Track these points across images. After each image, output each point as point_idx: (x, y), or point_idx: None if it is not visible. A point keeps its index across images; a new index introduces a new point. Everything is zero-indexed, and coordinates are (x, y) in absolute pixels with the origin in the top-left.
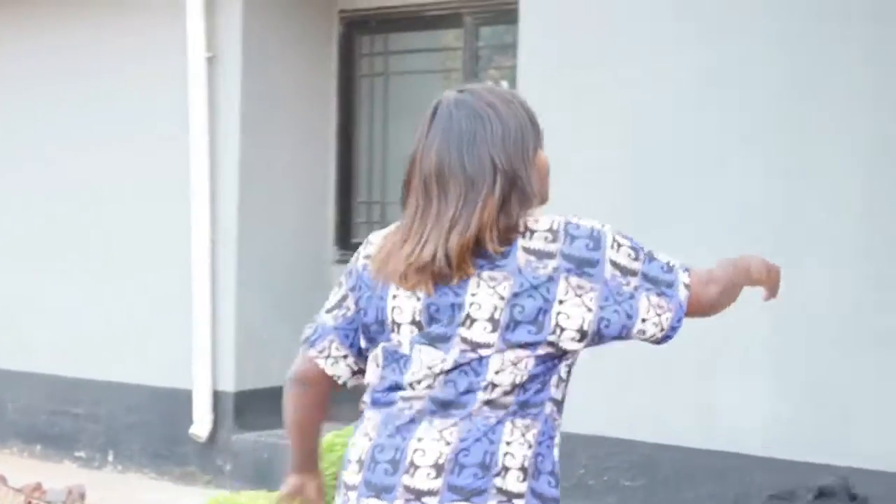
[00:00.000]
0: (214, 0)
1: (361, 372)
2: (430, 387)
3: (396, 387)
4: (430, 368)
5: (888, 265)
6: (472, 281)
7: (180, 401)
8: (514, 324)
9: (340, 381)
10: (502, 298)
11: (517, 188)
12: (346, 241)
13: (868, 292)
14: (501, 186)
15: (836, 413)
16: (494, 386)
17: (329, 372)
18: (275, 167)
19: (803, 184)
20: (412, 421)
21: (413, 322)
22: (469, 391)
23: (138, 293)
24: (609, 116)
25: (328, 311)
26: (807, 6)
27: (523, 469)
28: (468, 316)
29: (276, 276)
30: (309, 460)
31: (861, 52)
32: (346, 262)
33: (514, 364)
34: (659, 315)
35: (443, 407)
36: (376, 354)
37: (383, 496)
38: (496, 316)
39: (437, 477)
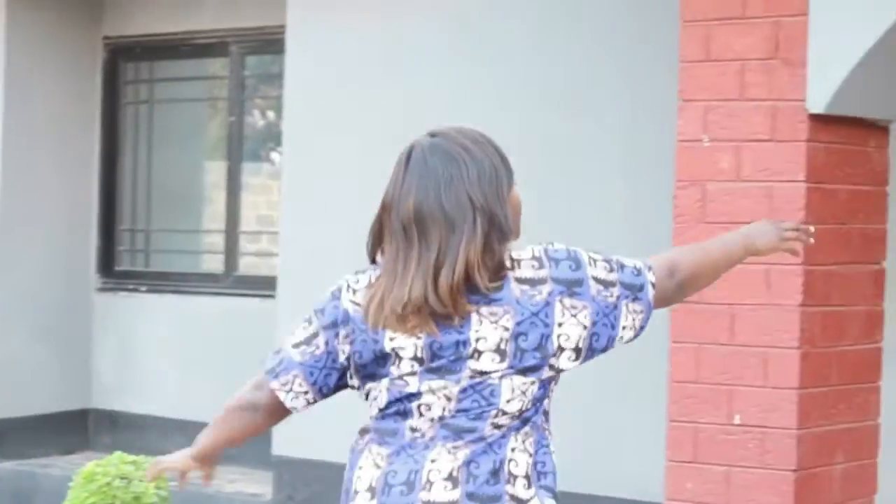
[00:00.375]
0: None
1: (315, 403)
2: (441, 417)
3: (404, 417)
4: (439, 398)
5: None
6: (474, 318)
7: None
8: (520, 353)
9: (293, 412)
10: (507, 330)
11: (495, 226)
12: (109, 268)
13: None
14: (481, 225)
15: (594, 443)
16: (504, 413)
17: (287, 405)
18: (36, 193)
19: (562, 194)
20: (426, 448)
21: (415, 358)
22: (479, 418)
23: None
24: (373, 144)
25: (294, 346)
26: (567, 26)
27: (527, 476)
28: (475, 350)
29: (38, 303)
30: (214, 456)
31: (619, 69)
32: (109, 289)
33: (523, 392)
34: (634, 319)
35: (455, 433)
36: (380, 389)
37: None
38: (503, 347)
39: (453, 488)
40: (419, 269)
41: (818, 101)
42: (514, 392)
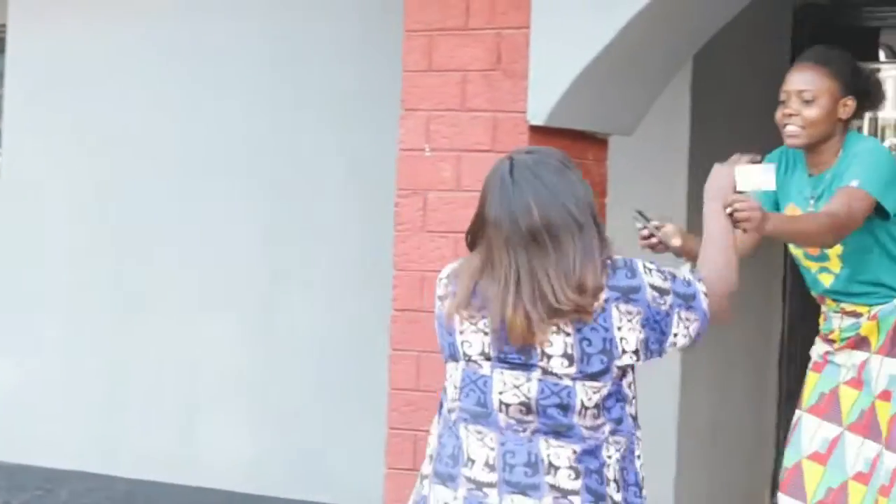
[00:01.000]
0: None
1: None
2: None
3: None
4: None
5: (369, 303)
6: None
7: None
8: (586, 356)
9: None
10: (568, 335)
11: (600, 233)
12: None
13: (345, 326)
14: (598, 232)
15: (312, 448)
16: (586, 409)
17: None
18: None
19: (286, 205)
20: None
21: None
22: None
23: None
24: (94, 145)
25: None
26: (289, 31)
27: (616, 481)
28: (543, 353)
29: None
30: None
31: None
32: None
33: (596, 391)
34: (687, 327)
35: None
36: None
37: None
38: (569, 351)
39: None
40: (558, 272)
41: (538, 112)
42: (587, 392)
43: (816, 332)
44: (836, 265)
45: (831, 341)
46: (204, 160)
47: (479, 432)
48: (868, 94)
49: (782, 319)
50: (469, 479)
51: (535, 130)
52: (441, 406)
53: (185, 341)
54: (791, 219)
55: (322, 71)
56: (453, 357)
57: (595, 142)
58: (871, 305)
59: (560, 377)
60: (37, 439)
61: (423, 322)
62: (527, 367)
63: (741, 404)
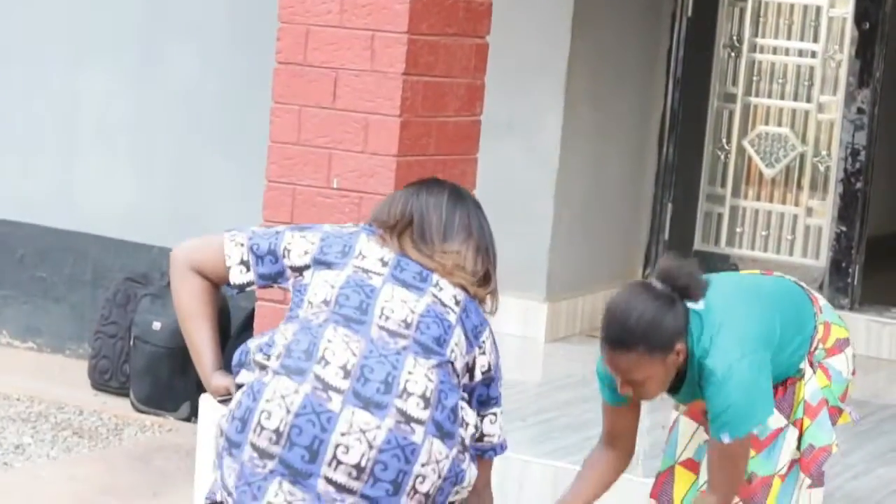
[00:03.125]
0: None
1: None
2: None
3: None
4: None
5: (249, 54)
6: None
7: None
8: (467, 316)
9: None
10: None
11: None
12: None
13: (224, 77)
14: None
15: (193, 198)
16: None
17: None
18: None
19: None
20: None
21: None
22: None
23: None
24: None
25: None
26: None
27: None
28: (438, 283)
29: None
30: (219, 355)
31: None
32: None
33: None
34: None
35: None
36: None
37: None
38: (458, 298)
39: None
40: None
41: None
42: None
43: (701, 111)
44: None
45: None
46: None
47: (347, 336)
48: (687, 298)
49: (664, 96)
50: (318, 378)
51: None
52: (293, 311)
53: (63, 89)
54: None
55: None
56: (337, 259)
57: None
58: None
59: (447, 309)
60: None
61: (306, 76)
62: (419, 290)
63: (618, 180)
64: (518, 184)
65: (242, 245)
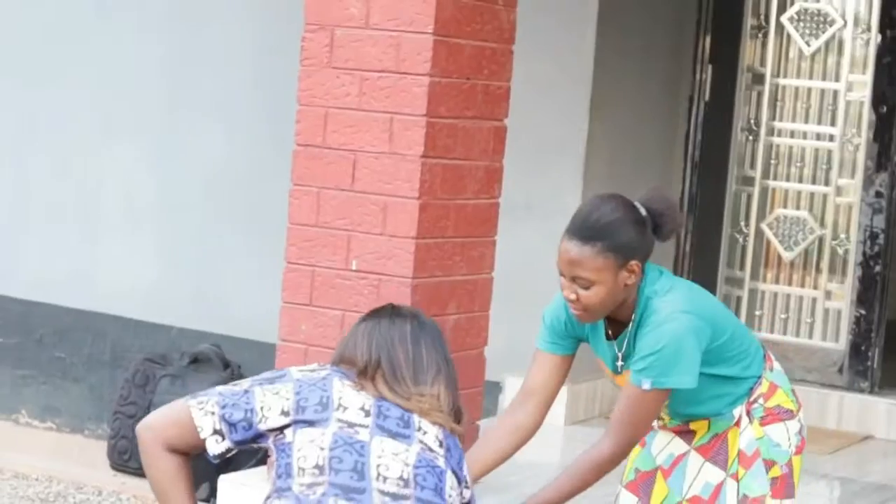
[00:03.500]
0: None
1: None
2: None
3: None
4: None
5: (271, 135)
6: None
7: None
8: (451, 455)
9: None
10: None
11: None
12: None
13: (246, 157)
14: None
15: (214, 279)
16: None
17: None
18: None
19: (189, 33)
20: None
21: None
22: None
23: None
24: None
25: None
26: None
27: None
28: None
29: None
30: None
31: None
32: None
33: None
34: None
35: None
36: None
37: None
38: (440, 438)
39: None
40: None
41: None
42: None
43: (719, 194)
44: (664, 416)
45: (661, 418)
46: None
47: (359, 492)
48: (659, 233)
49: (682, 179)
50: None
51: None
52: (283, 481)
53: (87, 166)
54: (565, 482)
55: None
56: (318, 415)
57: None
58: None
59: (435, 454)
60: None
61: (325, 158)
62: (406, 438)
63: None
64: (537, 265)
65: (213, 413)
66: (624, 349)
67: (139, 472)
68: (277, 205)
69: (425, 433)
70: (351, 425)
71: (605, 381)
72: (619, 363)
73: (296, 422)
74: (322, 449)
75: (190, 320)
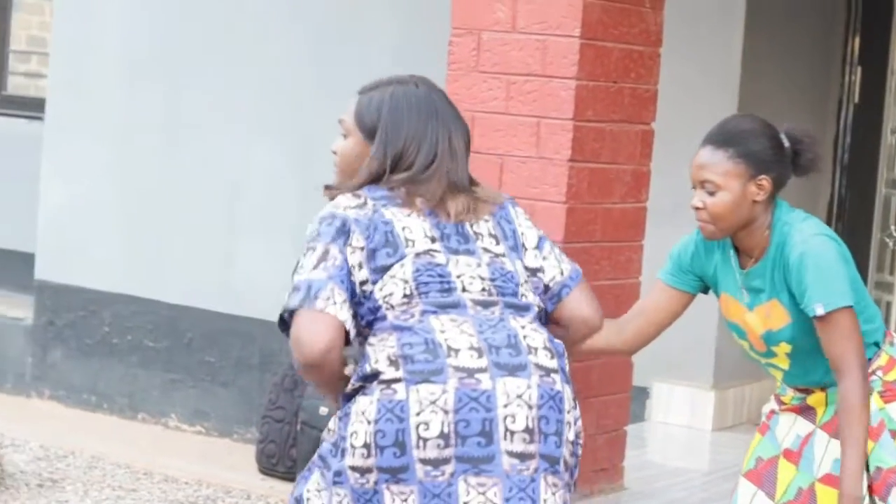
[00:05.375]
0: None
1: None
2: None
3: None
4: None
5: None
6: None
7: None
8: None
9: (342, 336)
10: (487, 221)
11: None
12: None
13: None
14: None
15: None
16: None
17: (341, 317)
18: None
19: (333, 35)
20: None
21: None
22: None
23: None
24: None
25: (314, 268)
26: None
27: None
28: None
29: None
30: None
31: None
32: None
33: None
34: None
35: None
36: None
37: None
38: (493, 231)
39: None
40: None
41: None
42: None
43: (869, 197)
44: (784, 363)
45: (782, 402)
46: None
47: (453, 321)
48: (797, 163)
49: (832, 182)
50: (457, 369)
51: None
52: (377, 324)
53: (230, 165)
54: (851, 440)
55: None
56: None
57: None
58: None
59: (498, 258)
60: (84, 261)
61: (472, 162)
62: (471, 252)
63: None
64: None
65: (344, 301)
66: (757, 284)
67: (287, 476)
68: None
69: (481, 237)
70: (426, 252)
71: (753, 387)
72: (746, 293)
73: (373, 271)
74: (405, 281)
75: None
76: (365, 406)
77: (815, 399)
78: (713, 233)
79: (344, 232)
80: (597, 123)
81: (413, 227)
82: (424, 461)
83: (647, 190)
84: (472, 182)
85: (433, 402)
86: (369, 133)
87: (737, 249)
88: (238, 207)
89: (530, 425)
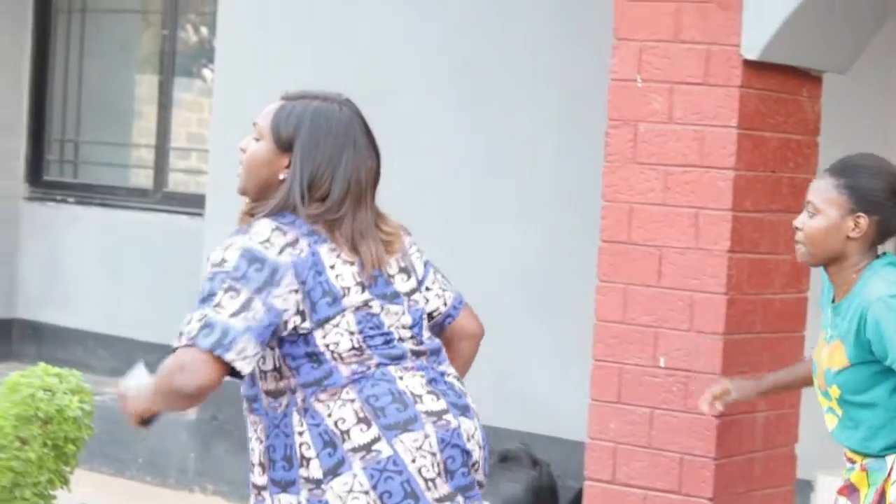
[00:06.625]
0: None
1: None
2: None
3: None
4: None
5: (579, 232)
6: None
7: None
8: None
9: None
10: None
11: None
12: (38, 178)
13: (555, 253)
14: None
15: (515, 373)
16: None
17: (245, 371)
18: None
19: (499, 132)
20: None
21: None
22: None
23: None
24: (305, 66)
25: (233, 316)
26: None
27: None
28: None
29: None
30: None
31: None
32: (37, 199)
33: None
34: None
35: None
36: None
37: None
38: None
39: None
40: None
41: (753, 47)
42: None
43: None
44: (837, 408)
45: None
46: (419, 88)
47: (404, 369)
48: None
49: None
50: (428, 413)
51: (749, 65)
52: (325, 360)
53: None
54: None
55: (526, 2)
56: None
57: (809, 79)
58: (864, 455)
59: (413, 299)
60: None
61: (630, 254)
62: (397, 298)
63: None
64: None
65: (255, 355)
66: (836, 322)
67: None
68: (582, 300)
69: (393, 278)
70: (364, 305)
71: None
72: (829, 330)
73: (315, 320)
74: (351, 333)
75: (492, 415)
76: (349, 483)
77: (857, 477)
78: (804, 255)
79: (273, 283)
80: (755, 213)
81: (344, 273)
82: (439, 500)
83: (807, 279)
84: (378, 216)
85: (419, 448)
86: (282, 144)
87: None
88: None
89: (480, 460)
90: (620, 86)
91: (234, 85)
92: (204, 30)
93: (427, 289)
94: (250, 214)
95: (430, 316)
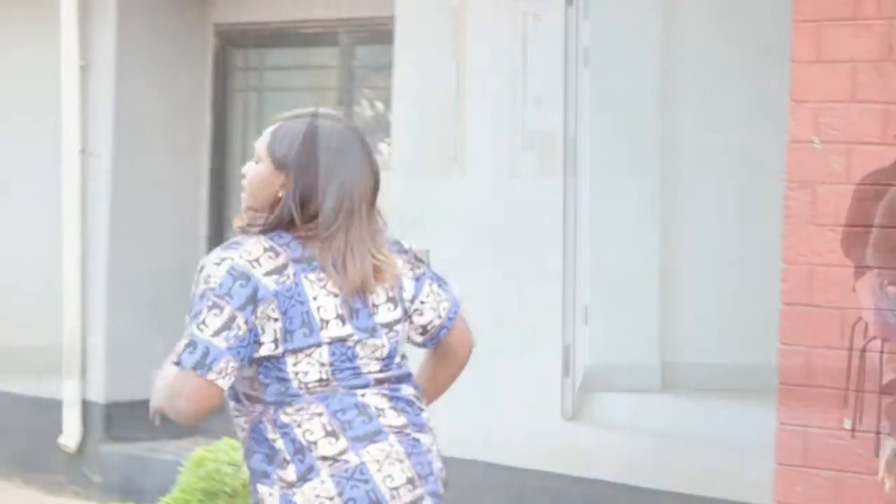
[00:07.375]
0: (89, 7)
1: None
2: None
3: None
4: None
5: (755, 295)
6: None
7: (50, 410)
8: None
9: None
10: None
11: None
12: None
13: (730, 316)
14: None
15: (700, 440)
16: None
17: (226, 388)
18: (147, 179)
19: (677, 191)
20: None
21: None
22: None
23: (8, 301)
24: (482, 136)
25: (215, 335)
26: (686, 23)
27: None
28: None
29: (147, 288)
30: None
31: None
32: None
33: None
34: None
35: None
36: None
37: None
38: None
39: None
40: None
41: None
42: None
43: None
44: None
45: None
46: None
47: (365, 390)
48: None
49: None
50: (391, 427)
51: None
52: (290, 386)
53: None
54: None
55: (705, 63)
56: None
57: None
58: None
59: (392, 330)
60: None
61: (812, 316)
62: (375, 331)
63: None
64: None
65: (233, 373)
66: None
67: None
68: (766, 362)
69: (378, 308)
70: (339, 340)
71: None
72: None
73: (290, 349)
74: (322, 365)
75: (678, 484)
76: (317, 489)
77: None
78: None
79: (254, 300)
80: None
81: (326, 305)
82: None
83: None
84: (376, 236)
85: (388, 457)
86: (278, 164)
87: None
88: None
89: (442, 473)
90: (798, 147)
91: (412, 159)
92: (379, 105)
93: (422, 302)
94: (251, 226)
95: (424, 328)
